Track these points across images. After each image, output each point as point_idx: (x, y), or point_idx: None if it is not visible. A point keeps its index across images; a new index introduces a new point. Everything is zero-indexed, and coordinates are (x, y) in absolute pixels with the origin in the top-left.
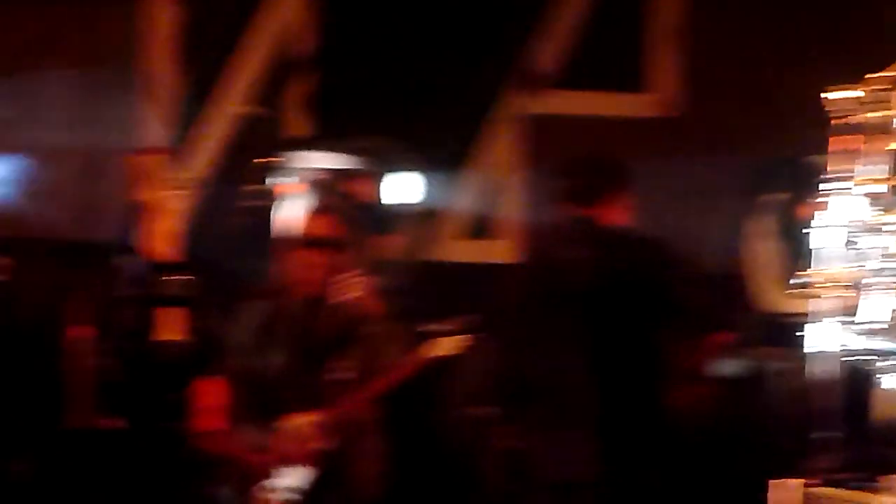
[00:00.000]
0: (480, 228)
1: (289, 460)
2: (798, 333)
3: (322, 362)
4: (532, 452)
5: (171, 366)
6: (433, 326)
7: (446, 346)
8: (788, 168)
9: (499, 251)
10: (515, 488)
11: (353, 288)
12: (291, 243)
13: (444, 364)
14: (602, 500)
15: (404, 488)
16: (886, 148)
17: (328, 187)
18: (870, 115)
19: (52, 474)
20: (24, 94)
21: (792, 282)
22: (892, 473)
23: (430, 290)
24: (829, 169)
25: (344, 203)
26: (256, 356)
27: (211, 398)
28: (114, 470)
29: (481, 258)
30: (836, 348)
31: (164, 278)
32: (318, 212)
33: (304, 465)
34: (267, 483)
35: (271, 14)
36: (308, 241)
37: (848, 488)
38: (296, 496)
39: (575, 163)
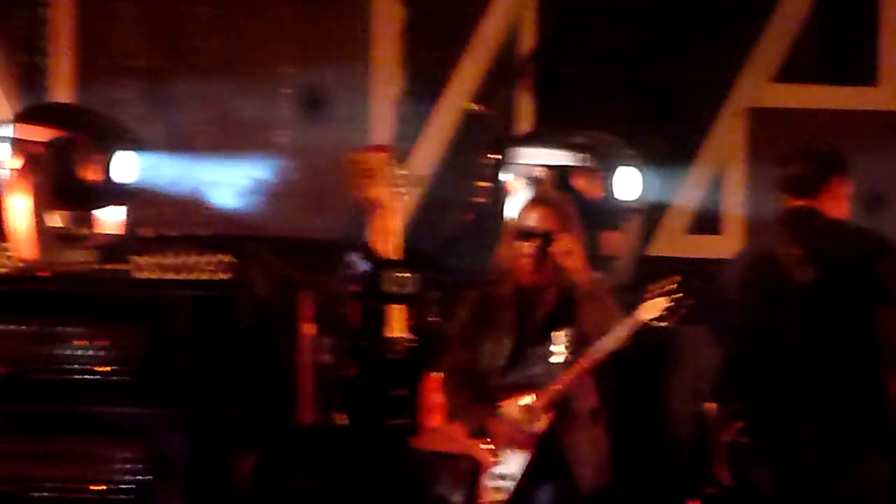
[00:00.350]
0: (704, 223)
1: (509, 445)
2: None
3: (538, 347)
4: (755, 446)
5: (396, 362)
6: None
7: (657, 307)
8: None
9: (722, 246)
10: (739, 482)
11: (568, 274)
12: (507, 235)
13: (657, 331)
14: (828, 492)
15: (625, 480)
16: None
17: (547, 181)
18: None
19: (280, 471)
20: (252, 94)
21: None
22: None
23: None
24: None
25: (560, 195)
26: (474, 346)
27: (435, 394)
28: (340, 467)
29: (704, 253)
30: None
31: (388, 275)
32: (532, 203)
33: (524, 450)
34: (489, 472)
35: (495, 11)
36: (521, 232)
37: None
38: (515, 483)
39: (795, 153)
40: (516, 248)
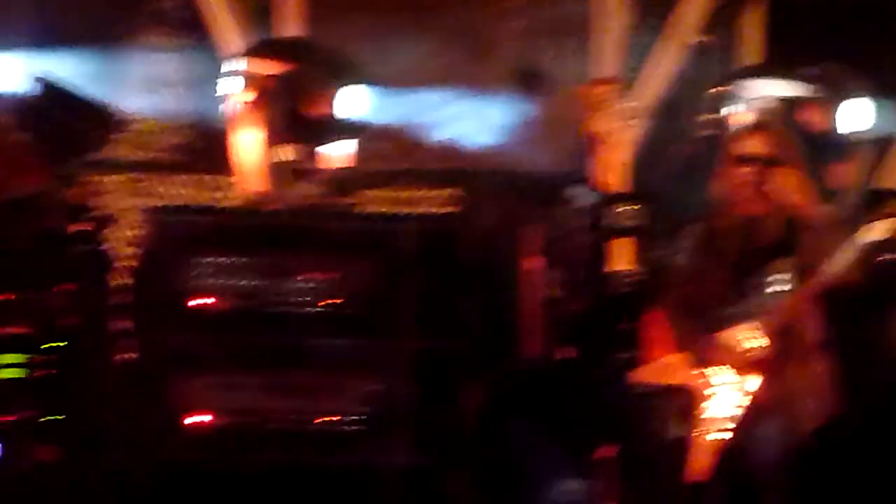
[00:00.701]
0: None
1: (733, 376)
2: None
3: (761, 277)
4: None
5: (621, 297)
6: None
7: (882, 229)
8: None
9: None
10: None
11: (790, 202)
12: (726, 163)
13: (888, 264)
14: None
15: (853, 416)
16: None
17: (774, 113)
18: None
19: (506, 404)
20: (470, 33)
21: None
22: None
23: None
24: None
25: (778, 122)
26: (697, 278)
27: (660, 327)
28: (566, 401)
29: None
30: None
31: (614, 209)
32: (750, 129)
33: (748, 381)
34: (713, 404)
35: None
36: (738, 159)
37: None
38: (739, 415)
39: None
40: (734, 176)
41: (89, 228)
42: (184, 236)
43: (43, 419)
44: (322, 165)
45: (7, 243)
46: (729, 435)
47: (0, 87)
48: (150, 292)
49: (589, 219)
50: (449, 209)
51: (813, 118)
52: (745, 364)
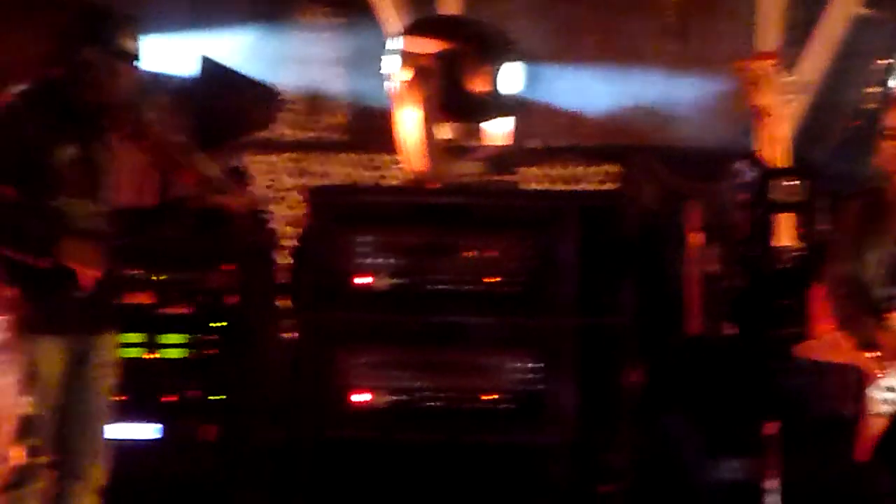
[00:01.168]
0: None
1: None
2: None
3: None
4: None
5: (784, 271)
6: None
7: None
8: None
9: None
10: None
11: None
12: (880, 136)
13: None
14: None
15: None
16: None
17: None
18: None
19: (666, 381)
20: (636, 5)
21: None
22: None
23: None
24: None
25: None
26: (859, 255)
27: (824, 304)
28: (729, 377)
29: None
30: None
31: (777, 183)
32: (892, 99)
33: None
34: (877, 384)
35: None
36: (882, 131)
37: None
38: None
39: None
40: (884, 149)
41: (251, 209)
42: (344, 215)
43: (205, 398)
44: (482, 143)
45: (170, 225)
46: (892, 416)
47: (162, 68)
48: (310, 271)
49: (751, 194)
50: (610, 186)
51: None
52: None
